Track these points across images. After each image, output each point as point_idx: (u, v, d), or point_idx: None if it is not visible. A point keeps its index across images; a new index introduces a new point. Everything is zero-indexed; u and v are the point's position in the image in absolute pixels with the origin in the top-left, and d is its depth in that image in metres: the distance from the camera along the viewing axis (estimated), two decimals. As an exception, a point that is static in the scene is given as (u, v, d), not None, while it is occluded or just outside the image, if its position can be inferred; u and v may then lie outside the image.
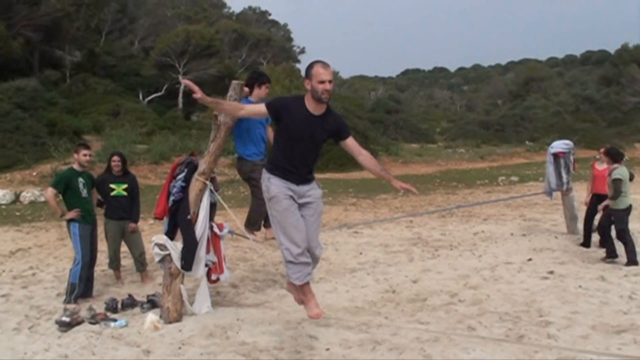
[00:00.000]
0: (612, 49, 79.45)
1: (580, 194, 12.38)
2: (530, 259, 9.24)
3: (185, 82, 6.45)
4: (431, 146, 36.02)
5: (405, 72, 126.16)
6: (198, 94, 4.95)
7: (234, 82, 6.50)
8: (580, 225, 10.71)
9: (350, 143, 4.94)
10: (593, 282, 7.73)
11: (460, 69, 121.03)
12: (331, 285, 7.95)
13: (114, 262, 8.16)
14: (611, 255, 8.92)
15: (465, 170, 26.89)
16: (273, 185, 4.74)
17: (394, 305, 6.96)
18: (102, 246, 8.23)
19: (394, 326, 6.11)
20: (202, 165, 6.58)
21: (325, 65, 4.61)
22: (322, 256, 5.22)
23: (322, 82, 4.52)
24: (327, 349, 5.46)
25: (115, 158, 8.14)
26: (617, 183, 8.85)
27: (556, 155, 11.09)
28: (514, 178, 23.36)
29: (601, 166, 10.13)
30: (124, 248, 8.20)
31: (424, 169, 26.93)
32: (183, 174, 6.62)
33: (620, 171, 8.98)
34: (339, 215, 14.51)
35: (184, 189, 6.57)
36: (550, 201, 11.68)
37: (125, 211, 8.04)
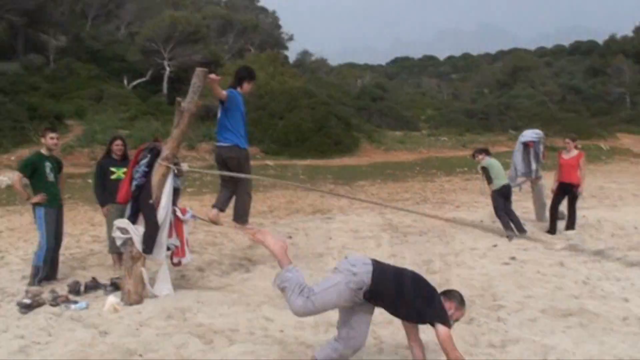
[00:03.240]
0: (600, 39, 79.76)
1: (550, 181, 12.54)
2: (495, 245, 9.40)
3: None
4: (415, 134, 36.14)
5: (395, 60, 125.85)
6: None
7: (198, 69, 6.63)
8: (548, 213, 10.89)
9: None
10: (552, 268, 7.90)
11: (450, 57, 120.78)
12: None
13: (114, 246, 8.02)
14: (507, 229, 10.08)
15: (447, 158, 27.03)
16: None
17: (354, 289, 7.08)
18: (72, 230, 8.30)
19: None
20: (165, 150, 6.67)
21: None
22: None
23: None
24: (281, 331, 5.58)
25: (119, 142, 8.07)
26: (484, 170, 10.57)
27: (526, 145, 11.24)
28: (494, 166, 23.47)
29: (567, 155, 10.32)
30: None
31: (406, 156, 27.05)
32: (146, 159, 6.71)
33: (487, 161, 10.54)
34: (314, 201, 14.63)
35: (147, 174, 6.65)
36: (520, 191, 11.82)
37: None
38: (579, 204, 10.94)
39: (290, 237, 10.22)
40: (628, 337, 5.43)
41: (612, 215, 12.32)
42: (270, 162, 22.23)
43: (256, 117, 26.32)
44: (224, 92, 7.09)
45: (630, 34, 70.28)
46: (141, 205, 6.65)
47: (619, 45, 66.62)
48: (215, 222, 7.68)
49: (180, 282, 7.34)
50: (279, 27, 65.71)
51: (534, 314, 5.99)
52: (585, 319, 5.81)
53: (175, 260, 6.95)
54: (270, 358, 4.93)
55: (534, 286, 7.02)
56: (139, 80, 38.16)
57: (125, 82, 37.59)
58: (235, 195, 7.61)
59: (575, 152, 10.47)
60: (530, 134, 11.49)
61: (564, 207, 10.58)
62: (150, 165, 6.69)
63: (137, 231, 6.54)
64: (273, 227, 11.20)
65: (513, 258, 8.47)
